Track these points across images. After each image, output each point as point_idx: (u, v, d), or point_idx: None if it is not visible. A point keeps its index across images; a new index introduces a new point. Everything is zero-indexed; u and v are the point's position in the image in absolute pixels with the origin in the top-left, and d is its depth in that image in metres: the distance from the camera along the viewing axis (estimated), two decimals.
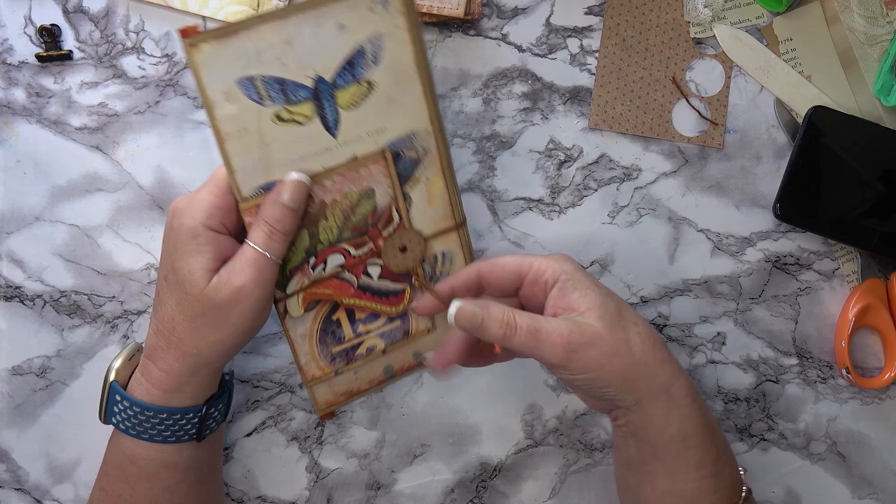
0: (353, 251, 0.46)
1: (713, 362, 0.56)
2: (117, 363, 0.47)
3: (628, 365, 0.42)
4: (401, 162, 0.45)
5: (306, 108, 0.43)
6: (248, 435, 0.55)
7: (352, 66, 0.43)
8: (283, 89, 0.42)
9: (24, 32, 0.55)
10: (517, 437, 0.56)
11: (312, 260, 0.46)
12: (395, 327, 0.49)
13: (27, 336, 0.55)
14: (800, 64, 0.56)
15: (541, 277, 0.44)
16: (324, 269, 0.46)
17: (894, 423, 0.56)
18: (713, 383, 0.56)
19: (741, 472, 0.46)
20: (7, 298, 0.55)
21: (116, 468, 0.47)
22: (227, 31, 0.40)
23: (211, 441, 0.48)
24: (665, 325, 0.56)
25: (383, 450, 0.55)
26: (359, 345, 0.48)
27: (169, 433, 0.45)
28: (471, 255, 0.50)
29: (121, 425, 0.45)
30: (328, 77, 0.42)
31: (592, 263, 0.56)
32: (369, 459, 0.55)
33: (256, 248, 0.42)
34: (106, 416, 0.47)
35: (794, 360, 0.56)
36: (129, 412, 0.45)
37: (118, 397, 0.45)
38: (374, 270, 0.47)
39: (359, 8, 0.41)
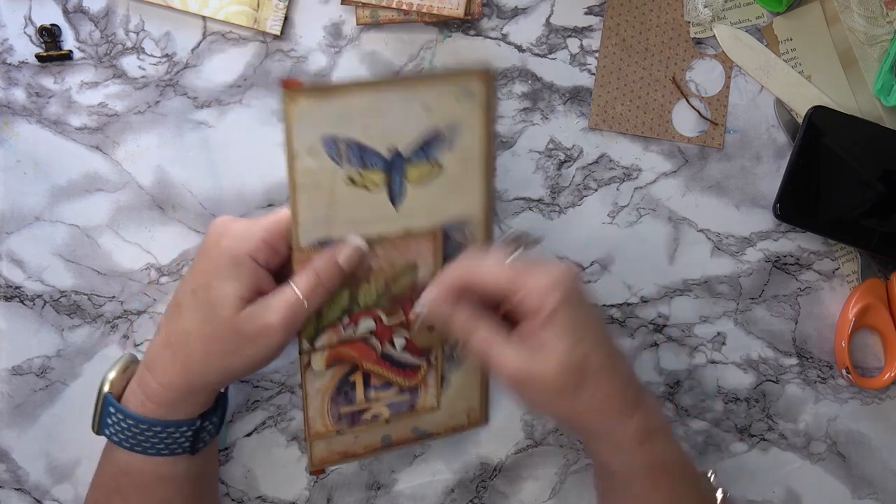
0: (384, 318, 0.47)
1: (713, 362, 0.56)
2: (112, 374, 0.47)
3: (570, 410, 0.42)
4: (449, 244, 0.47)
5: (377, 177, 0.44)
6: (248, 435, 0.55)
7: (428, 147, 0.44)
8: (361, 154, 0.43)
9: (24, 32, 0.55)
10: (517, 437, 0.56)
11: (346, 320, 0.46)
12: (403, 400, 0.50)
13: (27, 336, 0.55)
14: (800, 64, 0.56)
15: (525, 303, 0.42)
16: (354, 332, 0.47)
17: (894, 423, 0.56)
18: (713, 383, 0.56)
19: None
20: (7, 298, 0.55)
21: (109, 480, 0.46)
22: (326, 90, 0.42)
23: (205, 453, 0.48)
24: (665, 325, 0.56)
25: None
26: (366, 410, 0.49)
27: (163, 446, 0.45)
28: None
29: (114, 437, 0.45)
30: (404, 151, 0.44)
31: (592, 263, 0.56)
32: (369, 459, 0.55)
33: (298, 293, 0.43)
34: (99, 427, 0.46)
35: (794, 360, 0.56)
36: (122, 424, 0.45)
37: (112, 409, 0.45)
38: (399, 342, 0.48)
39: (446, 94, 0.43)
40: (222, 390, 0.49)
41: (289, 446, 0.55)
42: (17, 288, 0.55)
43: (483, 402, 0.52)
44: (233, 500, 0.55)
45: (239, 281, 0.43)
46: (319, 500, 0.55)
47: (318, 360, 0.47)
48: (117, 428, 0.45)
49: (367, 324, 0.47)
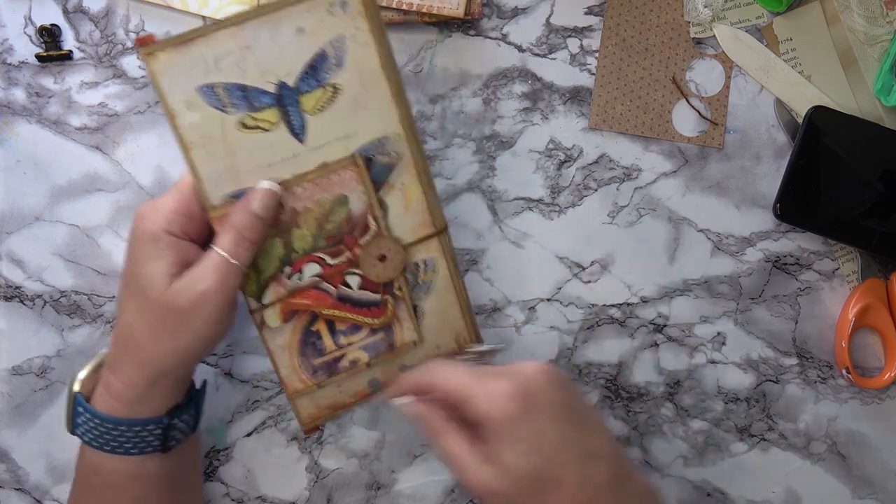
0: (329, 260, 0.45)
1: (713, 362, 0.56)
2: (83, 374, 0.46)
3: None
4: (374, 168, 0.44)
5: (271, 115, 0.42)
6: (248, 435, 0.55)
7: (315, 70, 0.42)
8: (246, 96, 0.41)
9: (24, 32, 0.55)
10: None
11: (288, 269, 0.45)
12: (378, 339, 0.47)
13: (27, 336, 0.55)
14: (800, 64, 0.56)
15: (478, 411, 0.40)
16: (300, 279, 0.45)
17: (894, 423, 0.56)
18: (713, 383, 0.56)
19: None
20: (7, 298, 0.55)
21: (83, 479, 0.46)
22: (184, 38, 0.40)
23: (182, 452, 0.47)
24: (665, 325, 0.56)
25: (383, 450, 0.55)
26: (341, 357, 0.47)
27: (131, 445, 0.44)
28: (454, 262, 0.48)
29: (85, 437, 0.45)
30: (291, 82, 0.42)
31: (592, 263, 0.56)
32: (369, 459, 0.55)
33: (222, 253, 0.42)
34: (72, 427, 0.46)
35: (794, 360, 0.56)
36: (90, 424, 0.44)
37: (81, 409, 0.45)
38: (353, 280, 0.46)
39: (317, 11, 0.41)
40: (197, 386, 0.49)
41: (289, 446, 0.55)
42: (17, 288, 0.55)
43: (468, 321, 0.49)
44: (233, 500, 0.55)
45: (161, 258, 0.42)
46: (319, 500, 0.55)
47: (271, 317, 0.45)
48: (87, 427, 0.44)
49: (311, 269, 0.45)
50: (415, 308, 0.48)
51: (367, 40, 0.42)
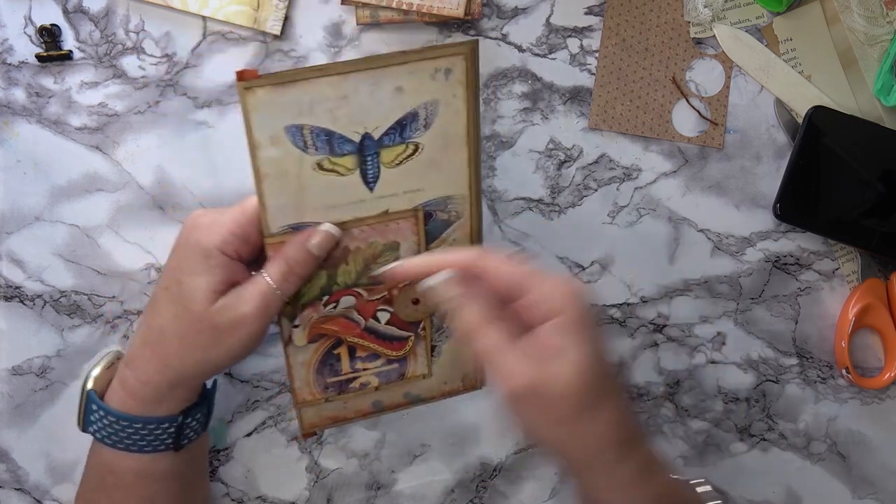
0: (366, 295, 0.46)
1: (713, 362, 0.56)
2: (96, 371, 0.47)
3: (574, 435, 0.38)
4: (432, 222, 0.45)
5: (349, 161, 0.43)
6: (248, 435, 0.55)
7: (402, 128, 0.43)
8: (330, 141, 0.42)
9: (24, 32, 0.55)
10: (517, 437, 0.56)
11: (325, 299, 0.46)
12: (392, 369, 0.49)
13: (27, 336, 0.55)
14: (800, 64, 0.56)
15: (542, 304, 0.39)
16: (334, 308, 0.46)
17: (894, 423, 0.56)
18: (713, 383, 0.56)
19: None
20: (7, 298, 0.55)
21: (94, 477, 0.46)
22: (285, 79, 0.40)
23: (191, 450, 0.47)
24: (665, 325, 0.56)
25: (383, 450, 0.55)
26: (354, 379, 0.49)
27: (144, 443, 0.44)
28: None
29: (97, 434, 0.45)
30: (376, 135, 0.42)
31: (592, 263, 0.56)
32: (369, 459, 0.55)
33: (270, 282, 0.42)
34: (84, 424, 0.46)
35: (794, 360, 0.56)
36: (104, 421, 0.44)
37: (94, 406, 0.45)
38: (383, 316, 0.48)
39: (420, 74, 0.41)
40: (208, 386, 0.49)
41: (289, 446, 0.55)
42: (17, 288, 0.55)
43: (479, 368, 0.51)
44: (233, 500, 0.55)
45: (209, 274, 0.42)
46: (319, 500, 0.55)
47: (299, 336, 0.46)
48: (100, 425, 0.45)
49: (347, 301, 0.46)
50: (433, 348, 0.49)
51: (460, 108, 0.43)
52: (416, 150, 0.43)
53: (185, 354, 0.43)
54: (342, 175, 0.43)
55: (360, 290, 0.46)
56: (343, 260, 0.45)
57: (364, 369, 0.48)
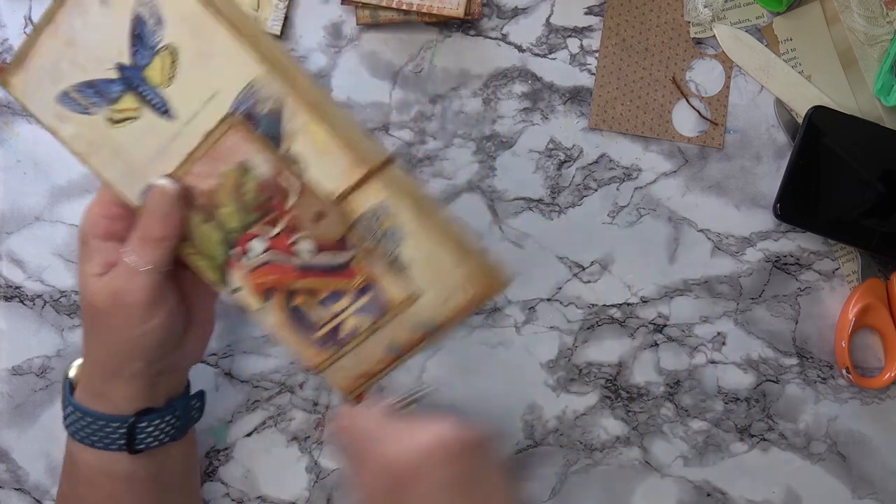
0: (270, 231, 0.42)
1: (713, 362, 0.56)
2: (78, 361, 0.47)
3: None
4: (259, 121, 0.39)
5: (129, 101, 0.40)
6: (248, 435, 0.55)
7: (141, 39, 0.39)
8: (97, 90, 0.40)
9: (24, 32, 0.55)
10: (517, 437, 0.56)
11: (236, 251, 0.43)
12: (367, 302, 0.42)
13: (27, 336, 0.55)
14: (800, 64, 0.56)
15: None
16: (251, 257, 0.43)
17: (894, 423, 0.56)
18: (713, 383, 0.56)
19: None
20: (7, 298, 0.55)
21: (65, 469, 0.47)
22: (21, 56, 0.39)
23: (164, 457, 0.46)
24: (665, 325, 0.56)
25: None
26: (337, 327, 0.43)
27: (97, 438, 0.44)
28: (417, 197, 0.40)
29: (64, 422, 0.46)
30: (126, 60, 0.39)
31: (592, 263, 0.56)
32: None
33: (128, 257, 0.42)
34: (63, 415, 0.47)
35: (794, 360, 0.56)
36: (68, 410, 0.45)
37: (66, 394, 0.46)
38: (305, 245, 0.42)
39: None
40: (190, 396, 0.48)
41: (289, 446, 0.55)
42: (17, 288, 0.55)
43: (475, 261, 0.40)
44: (233, 500, 0.55)
45: (88, 261, 0.42)
46: (319, 500, 0.55)
47: (248, 299, 0.43)
48: (66, 413, 0.45)
49: (256, 245, 0.42)
50: (393, 261, 0.41)
51: None
52: (174, 53, 0.39)
53: (94, 345, 0.43)
54: (137, 118, 0.40)
55: (259, 228, 0.42)
56: (213, 205, 0.42)
57: (339, 311, 0.43)
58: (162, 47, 0.39)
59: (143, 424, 0.45)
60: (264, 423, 0.55)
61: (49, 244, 0.55)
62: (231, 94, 0.39)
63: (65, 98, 0.40)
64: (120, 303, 0.41)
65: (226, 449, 0.55)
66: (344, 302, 0.43)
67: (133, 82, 0.40)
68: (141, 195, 0.42)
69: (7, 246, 0.55)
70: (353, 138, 0.39)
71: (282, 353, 0.55)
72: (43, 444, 0.54)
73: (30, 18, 0.55)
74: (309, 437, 0.55)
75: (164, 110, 0.40)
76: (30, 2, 0.55)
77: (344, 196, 0.40)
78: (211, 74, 0.39)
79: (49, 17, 0.39)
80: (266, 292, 0.43)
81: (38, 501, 0.54)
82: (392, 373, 0.45)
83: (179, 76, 0.39)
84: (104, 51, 0.39)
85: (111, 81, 0.39)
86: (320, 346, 0.44)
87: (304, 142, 0.39)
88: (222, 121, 0.40)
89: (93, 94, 0.40)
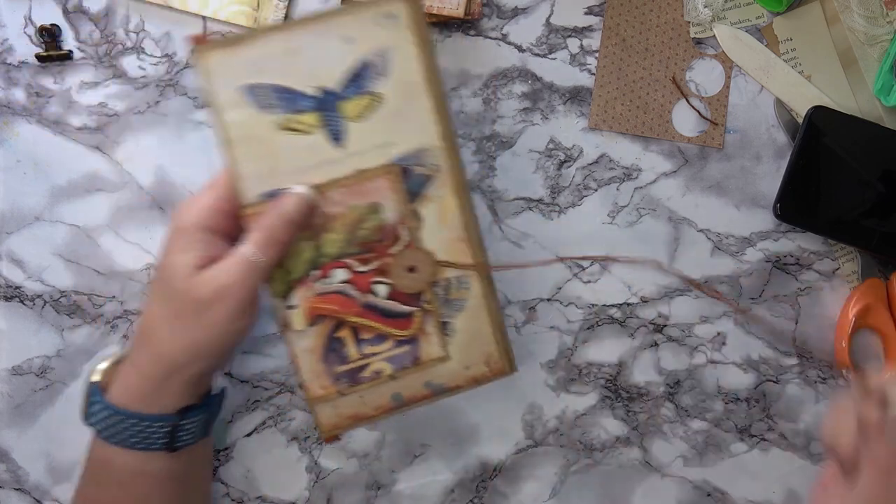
0: (358, 267, 0.45)
1: (713, 362, 0.56)
2: (103, 365, 0.47)
3: None
4: (411, 178, 0.45)
5: (311, 119, 0.43)
6: (248, 435, 0.55)
7: (358, 79, 0.43)
8: (288, 98, 0.43)
9: (24, 32, 0.55)
10: (517, 437, 0.56)
11: (316, 273, 0.45)
12: (403, 352, 0.46)
13: (27, 336, 0.55)
14: (800, 64, 0.56)
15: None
16: (327, 283, 0.45)
17: None
18: (713, 383, 0.56)
19: None
20: (7, 298, 0.55)
21: (92, 471, 0.46)
22: (235, 40, 0.42)
23: (192, 454, 0.47)
24: (665, 325, 0.56)
25: (383, 450, 0.55)
26: (364, 367, 0.46)
27: (137, 439, 0.44)
28: (490, 283, 0.47)
29: (96, 427, 0.45)
30: (334, 88, 0.43)
31: (592, 263, 0.56)
32: (369, 459, 0.55)
33: (249, 250, 0.42)
34: (85, 417, 0.46)
35: (794, 360, 0.56)
36: (102, 414, 0.44)
37: (96, 399, 0.45)
38: (382, 289, 0.46)
39: (364, 21, 0.43)
40: (214, 391, 0.49)
41: (289, 446, 0.55)
42: (17, 288, 0.55)
43: (502, 347, 0.47)
44: (233, 500, 0.55)
45: (188, 251, 0.42)
46: (319, 500, 0.55)
47: (297, 319, 0.45)
48: (98, 418, 0.45)
49: (339, 274, 0.45)
50: (445, 325, 0.47)
51: (412, 53, 0.43)
52: (377, 101, 0.44)
53: (174, 337, 0.43)
54: (308, 134, 0.43)
55: (350, 262, 0.45)
56: (325, 228, 0.44)
57: (373, 354, 0.46)
58: (372, 92, 0.44)
59: (185, 422, 0.45)
60: (264, 423, 0.55)
61: (49, 244, 0.55)
62: (402, 149, 0.44)
63: (252, 90, 0.43)
64: (224, 298, 0.41)
65: (226, 449, 0.55)
66: (383, 346, 0.46)
67: (326, 106, 0.43)
68: (259, 197, 0.43)
69: (7, 246, 0.55)
70: (468, 218, 0.46)
71: (282, 354, 0.55)
72: (43, 444, 0.54)
73: (30, 18, 0.55)
74: (309, 437, 0.55)
75: (337, 138, 0.44)
76: (30, 2, 0.55)
77: (441, 264, 0.46)
78: (396, 128, 0.44)
79: (289, 27, 0.42)
80: (316, 318, 0.45)
81: (38, 501, 0.54)
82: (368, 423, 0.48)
83: (370, 119, 0.44)
84: (317, 72, 0.43)
85: (306, 97, 0.43)
86: (335, 379, 0.46)
87: (434, 208, 0.45)
88: (382, 166, 0.44)
89: (282, 99, 0.43)
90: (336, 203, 0.44)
